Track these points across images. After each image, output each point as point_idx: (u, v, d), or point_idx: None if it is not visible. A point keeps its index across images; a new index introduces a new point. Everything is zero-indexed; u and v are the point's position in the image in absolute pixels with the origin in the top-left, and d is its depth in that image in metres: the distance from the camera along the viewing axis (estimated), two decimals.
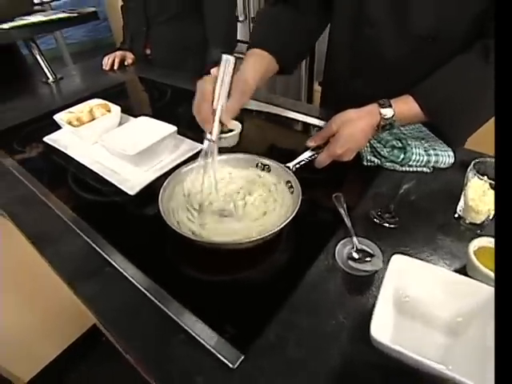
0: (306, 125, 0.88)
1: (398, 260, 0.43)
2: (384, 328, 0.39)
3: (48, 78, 1.25)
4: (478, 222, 0.55)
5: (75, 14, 1.22)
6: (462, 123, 0.63)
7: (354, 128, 0.61)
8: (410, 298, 0.43)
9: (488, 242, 0.48)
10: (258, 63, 0.68)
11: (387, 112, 0.62)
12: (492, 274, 0.43)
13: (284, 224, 0.49)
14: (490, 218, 0.55)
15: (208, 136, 0.55)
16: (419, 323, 0.42)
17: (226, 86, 0.54)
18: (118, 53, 1.34)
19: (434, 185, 0.64)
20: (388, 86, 0.66)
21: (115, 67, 1.31)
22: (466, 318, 0.40)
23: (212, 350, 0.40)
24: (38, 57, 1.22)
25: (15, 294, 1.13)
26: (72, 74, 1.37)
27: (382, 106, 0.62)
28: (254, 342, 0.40)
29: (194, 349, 0.40)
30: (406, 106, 0.62)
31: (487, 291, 0.39)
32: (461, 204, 0.57)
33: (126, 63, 1.35)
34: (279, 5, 0.78)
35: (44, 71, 1.24)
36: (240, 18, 2.04)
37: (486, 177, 0.54)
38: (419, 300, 0.42)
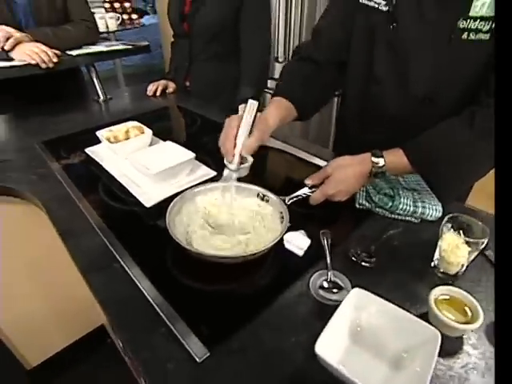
0: (311, 165, 0.95)
1: (357, 293, 0.49)
2: (333, 350, 0.44)
3: (99, 98, 1.43)
4: (452, 272, 0.59)
5: (131, 47, 1.41)
6: (445, 179, 0.69)
7: (346, 172, 0.69)
8: (364, 328, 0.48)
9: (449, 291, 0.52)
10: (279, 108, 0.79)
11: (379, 161, 0.69)
12: (449, 322, 0.47)
13: (268, 247, 0.57)
14: (463, 270, 0.59)
15: (229, 166, 0.66)
16: (368, 353, 0.46)
17: (248, 126, 0.65)
18: (162, 81, 1.51)
19: (419, 234, 0.69)
20: (392, 138, 0.73)
21: (157, 94, 1.48)
22: (411, 354, 0.45)
23: (185, 344, 0.47)
24: (94, 78, 1.40)
25: (36, 282, 1.23)
26: (120, 95, 1.56)
27: (374, 155, 0.69)
28: (221, 343, 0.47)
29: (170, 341, 0.48)
30: (396, 158, 0.69)
31: (431, 332, 0.44)
32: (437, 254, 0.62)
33: (167, 91, 1.51)
34: (301, 61, 0.89)
35: (97, 91, 1.42)
36: (280, 60, 2.22)
37: (461, 231, 0.59)
38: (371, 332, 0.47)
